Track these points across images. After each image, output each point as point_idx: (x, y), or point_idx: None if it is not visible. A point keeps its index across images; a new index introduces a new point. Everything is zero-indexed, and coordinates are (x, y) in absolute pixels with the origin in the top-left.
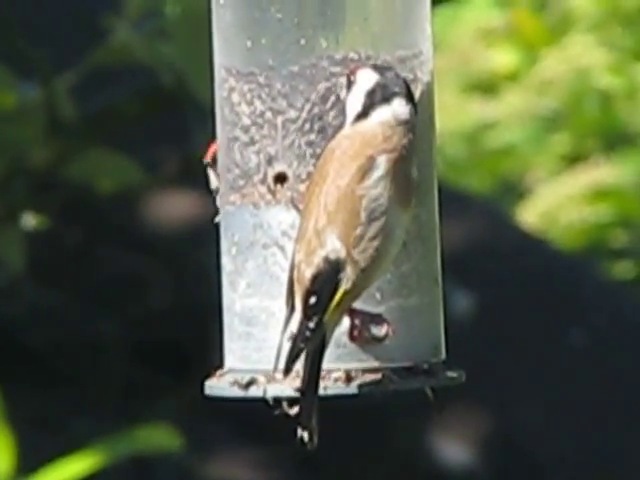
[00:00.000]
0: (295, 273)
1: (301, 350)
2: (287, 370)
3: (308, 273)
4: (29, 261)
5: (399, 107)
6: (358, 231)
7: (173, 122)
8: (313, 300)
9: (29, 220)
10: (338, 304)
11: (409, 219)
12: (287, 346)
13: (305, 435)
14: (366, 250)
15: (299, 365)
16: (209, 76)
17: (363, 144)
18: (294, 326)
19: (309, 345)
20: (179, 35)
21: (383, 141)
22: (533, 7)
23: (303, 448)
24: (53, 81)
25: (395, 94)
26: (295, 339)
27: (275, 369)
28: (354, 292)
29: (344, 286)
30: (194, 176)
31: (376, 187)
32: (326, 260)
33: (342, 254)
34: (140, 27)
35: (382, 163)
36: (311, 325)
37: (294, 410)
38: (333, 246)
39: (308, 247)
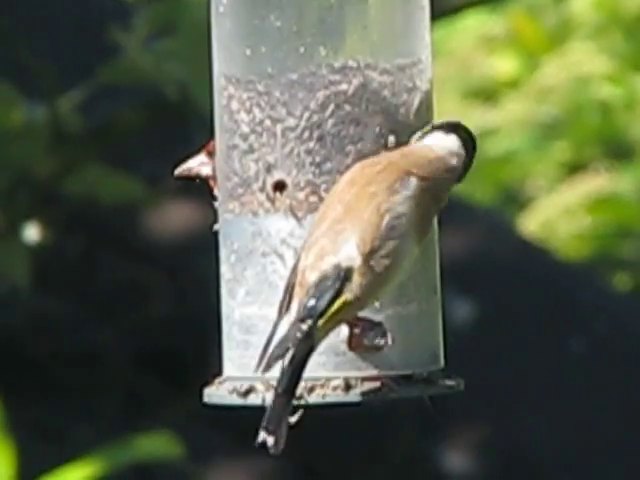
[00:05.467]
0: (299, 277)
1: (286, 350)
2: (267, 367)
3: (313, 277)
4: (31, 271)
5: (452, 142)
6: (375, 243)
7: (176, 134)
8: (312, 303)
9: (32, 232)
10: (335, 313)
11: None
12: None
13: (270, 440)
14: (377, 266)
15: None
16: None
17: (405, 159)
18: (284, 328)
19: (296, 347)
20: (183, 48)
21: (426, 164)
22: (533, 13)
23: (265, 452)
24: (59, 99)
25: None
26: (284, 338)
27: (257, 368)
28: (353, 305)
29: (345, 296)
30: (194, 186)
31: (402, 205)
32: (337, 266)
33: (356, 263)
34: (147, 42)
35: (414, 183)
36: (304, 327)
37: (293, 418)
38: (349, 253)
39: (320, 251)
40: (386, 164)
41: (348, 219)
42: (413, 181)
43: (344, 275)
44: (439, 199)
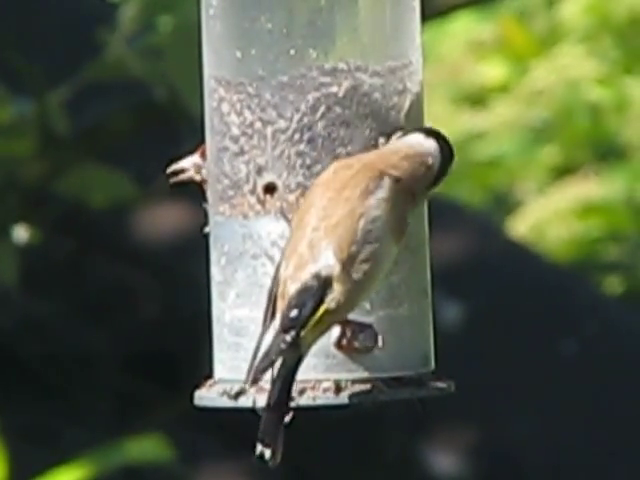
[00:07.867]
0: (280, 288)
1: (272, 362)
2: (255, 381)
3: (294, 286)
4: (21, 273)
5: (430, 144)
6: (353, 249)
7: (165, 136)
8: (294, 313)
9: (21, 233)
10: (318, 322)
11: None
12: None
13: (267, 452)
14: (357, 272)
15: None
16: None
17: (379, 158)
18: (269, 338)
19: (282, 358)
20: (172, 49)
21: (397, 161)
22: (522, 18)
23: (263, 465)
24: (47, 95)
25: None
26: (268, 350)
27: (246, 381)
28: (336, 312)
29: (327, 304)
30: (183, 188)
31: (377, 208)
32: (316, 275)
33: (335, 271)
34: (134, 41)
35: (387, 184)
36: (287, 338)
37: (285, 420)
38: (327, 262)
39: (299, 261)
40: (359, 167)
41: (324, 227)
42: (386, 182)
43: (324, 284)
44: (414, 198)
